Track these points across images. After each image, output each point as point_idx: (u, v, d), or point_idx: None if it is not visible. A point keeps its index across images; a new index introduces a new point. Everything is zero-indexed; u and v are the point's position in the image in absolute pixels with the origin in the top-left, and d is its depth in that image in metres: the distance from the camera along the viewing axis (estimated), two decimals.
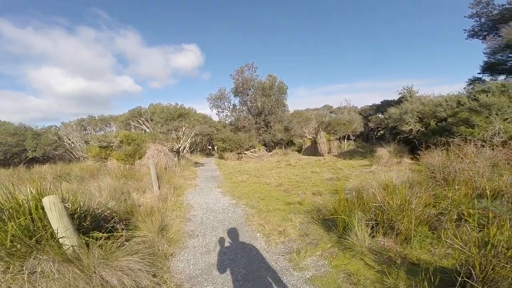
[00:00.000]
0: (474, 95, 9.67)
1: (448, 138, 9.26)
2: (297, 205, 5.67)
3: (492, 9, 13.96)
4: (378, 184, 5.51)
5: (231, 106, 22.63)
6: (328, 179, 8.32)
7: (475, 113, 8.96)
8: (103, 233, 3.01)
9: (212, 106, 22.77)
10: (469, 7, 14.89)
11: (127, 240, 3.54)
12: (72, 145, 22.69)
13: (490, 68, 14.47)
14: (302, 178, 8.93)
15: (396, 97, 18.03)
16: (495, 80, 14.21)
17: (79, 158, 19.63)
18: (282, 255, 3.43)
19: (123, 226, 3.22)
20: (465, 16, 15.36)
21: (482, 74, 15.16)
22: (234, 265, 3.21)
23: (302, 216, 4.88)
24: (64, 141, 22.89)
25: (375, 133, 24.35)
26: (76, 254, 2.78)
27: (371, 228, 3.59)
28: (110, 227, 3.27)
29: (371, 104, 22.91)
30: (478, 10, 14.36)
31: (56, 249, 2.63)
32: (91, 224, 3.11)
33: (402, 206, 3.51)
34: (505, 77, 13.77)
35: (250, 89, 20.70)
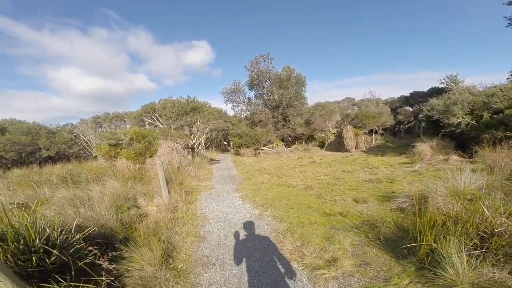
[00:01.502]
0: None
1: (506, 132, 7.73)
2: (339, 216, 4.46)
3: None
4: (448, 191, 4.23)
5: (246, 100, 21.49)
6: (366, 180, 7.01)
7: None
8: (72, 276, 1.97)
9: (226, 100, 21.73)
10: None
11: (117, 278, 2.51)
12: (89, 142, 22.54)
13: None
14: (334, 179, 7.66)
15: (426, 88, 16.44)
16: None
17: (96, 156, 19.32)
18: None
19: (106, 261, 2.15)
20: (504, 3, 13.25)
21: None
22: None
23: (351, 234, 3.68)
24: (80, 139, 22.81)
25: (403, 126, 22.42)
26: None
27: (472, 257, 2.41)
28: (87, 263, 2.23)
29: (399, 96, 20.97)
30: None
31: None
32: (57, 261, 2.07)
33: None
34: None
35: (266, 81, 19.37)
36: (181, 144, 11.25)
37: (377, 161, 10.38)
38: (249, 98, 21.63)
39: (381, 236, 3.42)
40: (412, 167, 8.30)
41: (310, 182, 7.37)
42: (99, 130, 25.42)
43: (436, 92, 17.15)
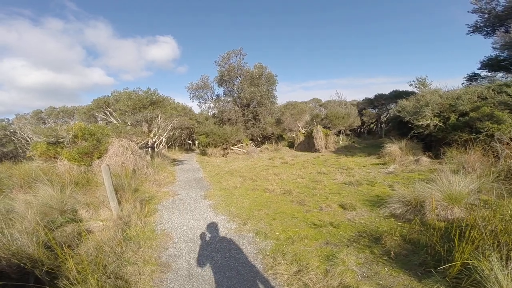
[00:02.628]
0: (497, 89, 8.62)
1: (471, 134, 8.05)
2: (330, 228, 3.85)
3: (496, 5, 13.07)
4: (445, 196, 3.87)
5: (214, 97, 20.26)
6: (346, 183, 6.60)
7: (505, 107, 7.83)
8: None
9: (193, 97, 20.17)
10: (472, 3, 14.01)
11: None
12: (29, 140, 19.59)
13: (491, 64, 13.71)
14: (311, 181, 7.16)
15: (388, 91, 17.29)
16: (494, 76, 13.65)
17: (31, 156, 16.65)
18: None
19: None
20: (468, 11, 14.41)
21: (481, 70, 14.46)
22: None
23: (352, 250, 3.07)
24: (18, 136, 19.86)
25: (365, 127, 23.39)
26: None
27: None
28: None
29: (364, 98, 21.80)
30: (482, 5, 13.40)
31: None
32: None
33: None
34: (504, 74, 13.15)
35: (237, 78, 18.47)
36: (138, 143, 9.83)
37: (349, 162, 10.23)
38: (217, 95, 20.48)
39: (392, 251, 2.86)
40: (386, 168, 8.19)
41: (288, 185, 6.74)
42: (42, 126, 22.16)
43: (397, 95, 18.08)
